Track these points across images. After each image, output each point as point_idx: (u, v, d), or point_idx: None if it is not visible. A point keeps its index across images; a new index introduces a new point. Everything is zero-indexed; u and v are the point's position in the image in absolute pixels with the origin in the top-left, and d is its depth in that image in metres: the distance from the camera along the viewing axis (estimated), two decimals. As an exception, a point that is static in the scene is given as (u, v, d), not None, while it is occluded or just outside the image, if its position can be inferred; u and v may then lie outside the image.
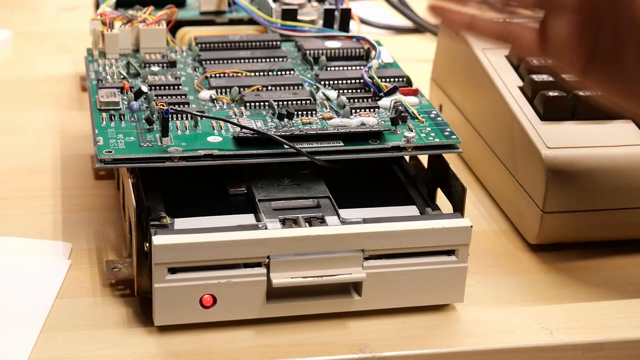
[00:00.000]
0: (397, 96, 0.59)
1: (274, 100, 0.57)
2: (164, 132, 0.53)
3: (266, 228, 0.51)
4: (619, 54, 0.50)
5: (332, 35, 0.67)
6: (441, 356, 0.50)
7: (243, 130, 0.53)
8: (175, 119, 0.55)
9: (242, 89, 0.59)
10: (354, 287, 0.52)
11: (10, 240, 0.58)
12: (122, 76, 0.61)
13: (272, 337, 0.51)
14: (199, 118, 0.55)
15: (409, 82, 0.62)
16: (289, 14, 0.69)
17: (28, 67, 0.85)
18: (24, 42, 0.91)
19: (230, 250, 0.49)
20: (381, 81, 0.60)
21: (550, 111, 0.60)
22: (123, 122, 0.56)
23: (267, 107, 0.58)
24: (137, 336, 0.50)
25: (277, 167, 0.56)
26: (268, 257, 0.50)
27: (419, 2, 1.00)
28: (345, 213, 0.53)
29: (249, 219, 0.53)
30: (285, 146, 0.52)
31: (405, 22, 0.97)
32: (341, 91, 0.60)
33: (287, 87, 0.60)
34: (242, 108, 0.58)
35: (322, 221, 0.52)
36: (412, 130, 0.55)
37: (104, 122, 0.55)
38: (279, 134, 0.53)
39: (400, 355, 0.50)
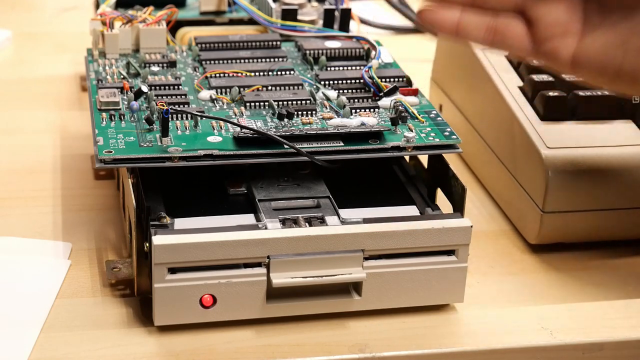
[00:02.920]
0: (397, 96, 0.59)
1: (274, 100, 0.57)
2: (164, 132, 0.53)
3: (266, 228, 0.51)
4: (611, 19, 0.50)
5: (332, 35, 0.67)
6: (441, 356, 0.50)
7: (243, 130, 0.53)
8: (175, 119, 0.55)
9: (242, 89, 0.59)
10: (354, 287, 0.52)
11: (10, 240, 0.58)
12: (122, 76, 0.61)
13: (272, 337, 0.51)
14: (199, 118, 0.55)
15: (409, 82, 0.62)
16: (289, 14, 0.69)
17: (28, 67, 0.85)
18: (24, 42, 0.91)
19: (230, 250, 0.49)
20: (381, 81, 0.60)
21: (550, 111, 0.60)
22: (123, 122, 0.56)
23: (267, 107, 0.58)
24: (137, 336, 0.50)
25: (277, 167, 0.56)
26: (268, 257, 0.50)
27: (419, 2, 1.00)
28: (345, 213, 0.53)
29: (249, 219, 0.53)
30: (285, 146, 0.52)
31: (405, 22, 0.97)
32: (341, 91, 0.60)
33: (287, 87, 0.60)
34: (242, 108, 0.58)
35: (322, 221, 0.52)
36: (412, 130, 0.55)
37: (104, 122, 0.55)
38: (279, 134, 0.53)
39: (400, 355, 0.50)
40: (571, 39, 0.51)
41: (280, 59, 0.64)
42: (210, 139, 0.54)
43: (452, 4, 0.52)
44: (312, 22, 0.70)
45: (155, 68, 0.63)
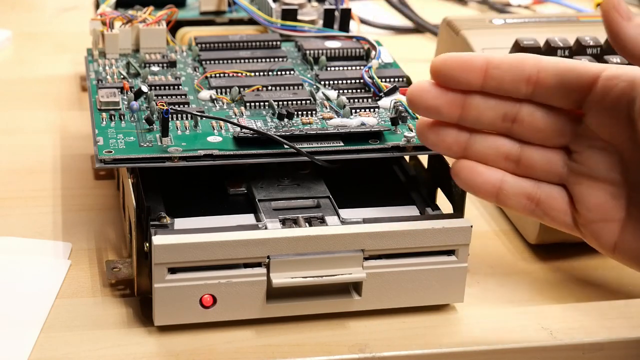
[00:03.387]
0: (397, 96, 0.59)
1: (274, 100, 0.57)
2: (164, 132, 0.53)
3: (266, 228, 0.51)
4: None
5: (332, 35, 0.67)
6: (441, 356, 0.50)
7: (243, 130, 0.53)
8: (175, 119, 0.55)
9: (242, 89, 0.59)
10: (354, 287, 0.52)
11: (10, 240, 0.58)
12: (122, 76, 0.61)
13: (272, 337, 0.51)
14: (199, 118, 0.55)
15: (409, 82, 0.62)
16: (289, 14, 0.69)
17: (28, 67, 0.85)
18: (24, 42, 0.91)
19: (230, 250, 0.49)
20: (381, 81, 0.60)
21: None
22: (123, 122, 0.56)
23: (267, 107, 0.58)
24: (137, 336, 0.50)
25: (277, 167, 0.56)
26: (268, 257, 0.50)
27: (419, 2, 1.00)
28: (345, 213, 0.53)
29: (249, 219, 0.53)
30: (285, 146, 0.52)
31: (405, 22, 0.98)
32: (341, 91, 0.60)
33: (287, 87, 0.60)
34: (242, 108, 0.58)
35: (322, 221, 0.52)
36: (412, 130, 0.55)
37: (104, 122, 0.55)
38: (279, 134, 0.53)
39: (400, 355, 0.50)
40: (613, 225, 0.48)
41: (280, 59, 0.64)
42: (210, 139, 0.54)
43: (495, 165, 0.50)
44: (312, 22, 0.70)
45: (155, 68, 0.63)
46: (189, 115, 0.55)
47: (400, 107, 0.57)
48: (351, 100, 0.59)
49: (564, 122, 0.48)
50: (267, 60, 0.64)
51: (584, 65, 0.47)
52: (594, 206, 0.48)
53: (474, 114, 0.48)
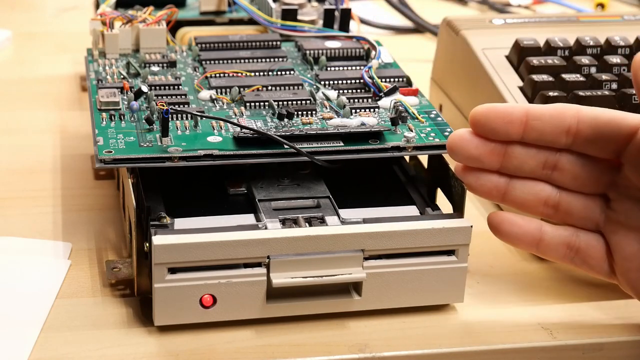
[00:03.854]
0: (397, 96, 0.59)
1: (274, 100, 0.57)
2: (164, 132, 0.53)
3: (266, 228, 0.51)
4: None
5: (332, 35, 0.67)
6: (441, 356, 0.50)
7: (243, 130, 0.53)
8: (175, 119, 0.55)
9: (242, 89, 0.59)
10: (354, 287, 0.52)
11: (10, 240, 0.58)
12: (122, 76, 0.61)
13: (272, 337, 0.51)
14: (199, 118, 0.55)
15: (409, 82, 0.62)
16: (289, 14, 0.69)
17: (28, 67, 0.85)
18: (24, 42, 0.91)
19: (230, 250, 0.49)
20: (381, 81, 0.60)
21: (550, 111, 0.60)
22: (123, 122, 0.56)
23: (267, 107, 0.58)
24: (137, 336, 0.50)
25: (277, 167, 0.56)
26: (268, 257, 0.50)
27: (419, 2, 1.00)
28: (345, 213, 0.53)
29: (249, 219, 0.53)
30: (285, 146, 0.52)
31: (405, 22, 0.98)
32: (341, 91, 0.60)
33: (287, 87, 0.60)
34: (242, 108, 0.58)
35: (322, 221, 0.52)
36: (412, 130, 0.55)
37: (104, 122, 0.55)
38: (279, 134, 0.53)
39: (400, 355, 0.50)
40: None
41: (280, 59, 0.64)
42: (210, 139, 0.54)
43: (534, 210, 0.51)
44: (312, 22, 0.70)
45: (155, 68, 0.63)
46: (189, 115, 0.55)
47: (400, 107, 0.57)
48: (351, 100, 0.58)
49: (603, 170, 0.49)
50: (267, 60, 0.64)
51: (623, 116, 0.48)
52: (629, 255, 0.49)
53: (514, 163, 0.50)
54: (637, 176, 0.48)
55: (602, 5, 1.04)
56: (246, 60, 0.64)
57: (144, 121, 0.55)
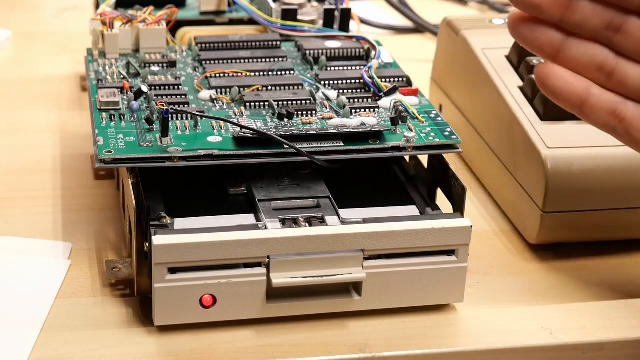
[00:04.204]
0: (397, 96, 0.59)
1: (274, 100, 0.57)
2: (164, 132, 0.53)
3: (266, 228, 0.51)
4: None
5: (332, 35, 0.67)
6: (441, 356, 0.50)
7: (243, 130, 0.53)
8: (175, 119, 0.55)
9: (242, 89, 0.59)
10: (354, 287, 0.52)
11: (10, 240, 0.58)
12: (122, 76, 0.61)
13: (272, 337, 0.51)
14: (199, 118, 0.55)
15: (409, 82, 0.62)
16: (289, 14, 0.69)
17: (28, 67, 0.85)
18: (24, 42, 0.91)
19: (230, 250, 0.49)
20: (381, 81, 0.60)
21: (550, 111, 0.60)
22: (123, 122, 0.56)
23: (267, 107, 0.58)
24: (137, 336, 0.50)
25: (277, 167, 0.56)
26: (268, 257, 0.50)
27: (419, 2, 1.00)
28: (345, 213, 0.53)
29: (249, 219, 0.53)
30: (285, 146, 0.52)
31: (405, 22, 0.98)
32: (341, 91, 0.60)
33: (287, 87, 0.60)
34: (242, 108, 0.58)
35: (322, 221, 0.52)
36: (412, 130, 0.55)
37: (104, 122, 0.55)
38: (279, 134, 0.53)
39: (400, 355, 0.50)
40: None
41: (280, 59, 0.64)
42: (210, 139, 0.54)
43: (585, 74, 0.47)
44: (312, 22, 0.70)
45: (155, 68, 0.63)
46: (189, 115, 0.55)
47: (400, 107, 0.57)
48: (351, 100, 0.58)
49: None
50: (267, 60, 0.64)
51: None
52: None
53: (577, 18, 0.46)
54: None
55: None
56: (246, 60, 0.64)
57: (144, 121, 0.55)
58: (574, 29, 0.46)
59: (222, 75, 0.61)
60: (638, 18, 0.46)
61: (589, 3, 0.46)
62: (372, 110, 0.58)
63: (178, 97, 0.58)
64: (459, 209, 0.54)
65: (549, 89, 0.47)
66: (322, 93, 0.59)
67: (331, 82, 0.61)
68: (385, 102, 0.58)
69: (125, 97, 0.58)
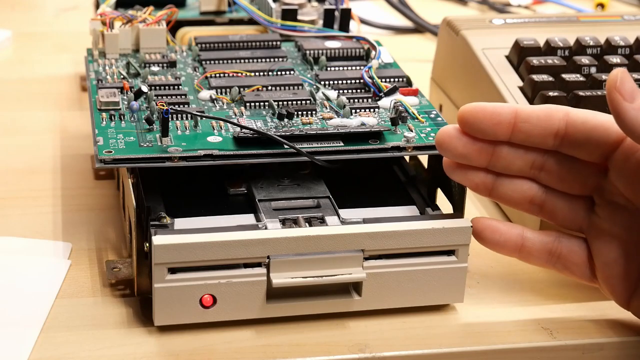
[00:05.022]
0: (397, 96, 0.59)
1: (274, 100, 0.57)
2: (164, 132, 0.53)
3: (266, 228, 0.51)
4: None
5: (332, 35, 0.67)
6: (441, 356, 0.50)
7: (243, 130, 0.53)
8: (175, 119, 0.55)
9: (242, 89, 0.59)
10: (354, 287, 0.52)
11: (10, 240, 0.58)
12: (122, 76, 0.61)
13: (272, 337, 0.51)
14: (199, 118, 0.55)
15: (409, 82, 0.62)
16: (289, 14, 0.69)
17: (28, 67, 0.85)
18: (24, 42, 0.91)
19: (230, 250, 0.49)
20: (381, 81, 0.60)
21: (550, 111, 0.60)
22: (123, 122, 0.56)
23: (267, 107, 0.58)
24: (137, 336, 0.50)
25: (277, 167, 0.56)
26: (268, 257, 0.50)
27: (419, 2, 1.00)
28: (345, 213, 0.53)
29: (249, 219, 0.53)
30: (285, 146, 0.52)
31: (405, 22, 0.98)
32: (341, 91, 0.60)
33: (287, 87, 0.60)
34: (242, 108, 0.58)
35: (322, 221, 0.52)
36: (412, 130, 0.55)
37: (104, 122, 0.55)
38: (279, 134, 0.53)
39: (400, 355, 0.50)
40: (628, 282, 0.50)
41: (280, 59, 0.64)
42: (210, 139, 0.54)
43: (520, 207, 0.51)
44: (312, 22, 0.70)
45: (155, 68, 0.63)
46: (189, 115, 0.55)
47: (400, 107, 0.57)
48: (351, 100, 0.58)
49: (590, 173, 0.50)
50: (267, 60, 0.64)
51: (612, 122, 0.47)
52: (611, 261, 0.50)
53: (502, 162, 0.50)
54: (621, 183, 0.48)
55: (602, 5, 1.04)
56: (246, 60, 0.64)
57: (144, 121, 0.55)
58: (502, 170, 0.50)
59: (222, 75, 0.61)
60: (557, 155, 0.50)
61: (510, 148, 0.50)
62: (372, 110, 0.58)
63: (178, 97, 0.58)
64: (459, 209, 0.54)
65: (485, 241, 0.51)
66: (322, 93, 0.59)
67: (331, 82, 0.61)
68: (385, 102, 0.58)
69: (125, 97, 0.58)
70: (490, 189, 0.51)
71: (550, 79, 0.62)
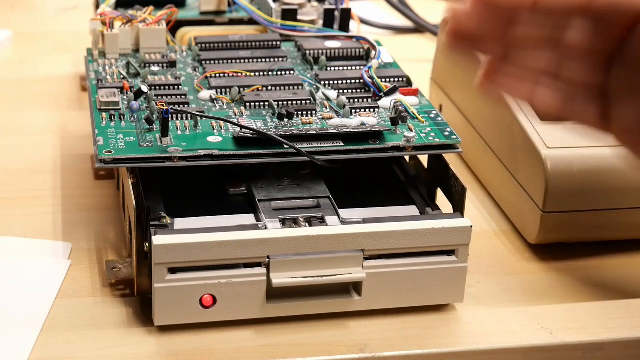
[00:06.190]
0: (397, 96, 0.59)
1: (274, 100, 0.57)
2: (164, 132, 0.53)
3: (266, 228, 0.51)
4: None
5: (332, 35, 0.67)
6: (441, 356, 0.50)
7: (243, 130, 0.53)
8: (175, 119, 0.55)
9: (242, 89, 0.59)
10: (354, 287, 0.52)
11: (10, 240, 0.58)
12: (122, 76, 0.61)
13: (272, 337, 0.51)
14: (199, 118, 0.55)
15: (409, 82, 0.62)
16: (289, 14, 0.69)
17: (28, 67, 0.85)
18: (24, 42, 0.91)
19: (230, 250, 0.49)
20: (381, 81, 0.60)
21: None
22: (123, 122, 0.56)
23: (267, 107, 0.58)
24: (137, 336, 0.50)
25: (277, 167, 0.56)
26: (268, 257, 0.50)
27: (419, 2, 1.00)
28: (345, 213, 0.53)
29: (249, 219, 0.53)
30: (285, 146, 0.52)
31: (405, 22, 0.98)
32: (341, 91, 0.60)
33: (287, 87, 0.60)
34: (242, 108, 0.58)
35: (322, 221, 0.52)
36: (412, 130, 0.55)
37: (104, 122, 0.55)
38: (279, 134, 0.53)
39: (400, 355, 0.50)
40: None
41: (280, 59, 0.64)
42: (210, 139, 0.54)
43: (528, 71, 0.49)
44: (312, 22, 0.70)
45: (155, 68, 0.63)
46: (189, 115, 0.55)
47: (400, 107, 0.57)
48: (351, 100, 0.59)
49: (611, 37, 0.47)
50: (267, 60, 0.64)
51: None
52: (632, 115, 0.47)
53: (519, 31, 0.47)
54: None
55: None
56: (246, 60, 0.64)
57: (144, 121, 0.55)
58: (517, 43, 0.47)
59: (222, 75, 0.61)
60: (577, 23, 0.47)
61: (527, 21, 0.47)
62: (372, 110, 0.58)
63: (178, 97, 0.58)
64: (459, 209, 0.54)
65: (492, 82, 0.49)
66: (322, 93, 0.59)
67: (331, 82, 0.61)
68: (385, 102, 0.58)
69: (125, 97, 0.58)
70: (500, 64, 0.48)
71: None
